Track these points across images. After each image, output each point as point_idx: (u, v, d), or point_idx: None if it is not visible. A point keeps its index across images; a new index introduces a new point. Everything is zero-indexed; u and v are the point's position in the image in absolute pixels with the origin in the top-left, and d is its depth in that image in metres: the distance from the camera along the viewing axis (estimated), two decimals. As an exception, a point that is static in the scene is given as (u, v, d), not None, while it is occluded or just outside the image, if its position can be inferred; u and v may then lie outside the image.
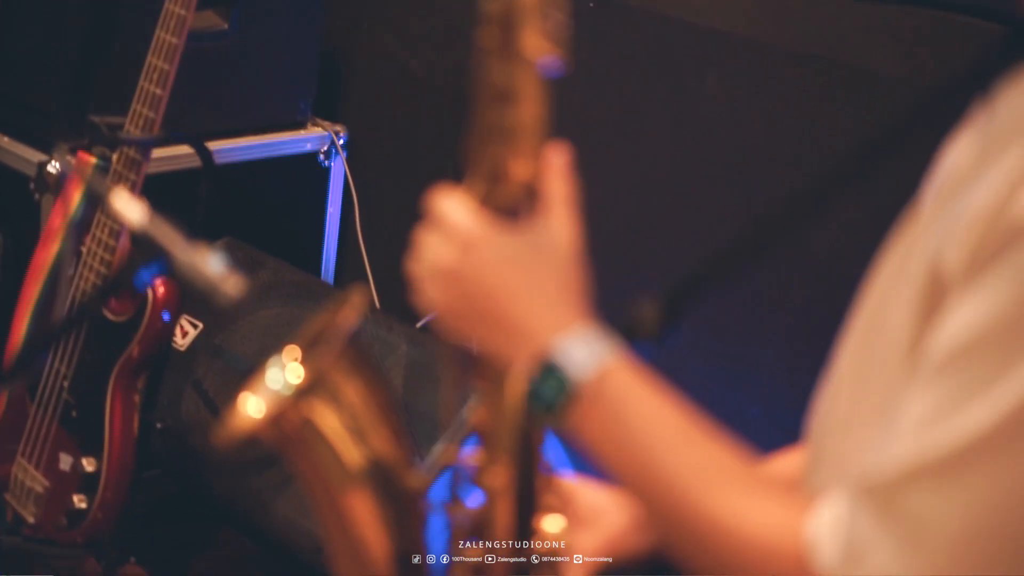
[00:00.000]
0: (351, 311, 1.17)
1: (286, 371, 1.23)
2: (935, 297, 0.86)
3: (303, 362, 1.22)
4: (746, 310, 2.25)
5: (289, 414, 1.14)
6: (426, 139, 2.80)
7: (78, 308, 1.09)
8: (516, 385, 1.12)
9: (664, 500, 0.93)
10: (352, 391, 1.17)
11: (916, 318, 0.87)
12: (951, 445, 0.80)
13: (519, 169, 1.02)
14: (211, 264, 1.08)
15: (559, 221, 1.02)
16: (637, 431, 0.94)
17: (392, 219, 2.64)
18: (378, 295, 2.72)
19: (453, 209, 1.01)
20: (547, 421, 0.98)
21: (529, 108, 1.00)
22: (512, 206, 1.03)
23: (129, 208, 1.09)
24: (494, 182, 1.02)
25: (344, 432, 1.16)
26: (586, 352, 0.96)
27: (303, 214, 2.87)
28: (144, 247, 1.09)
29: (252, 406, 1.21)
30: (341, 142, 2.81)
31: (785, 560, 0.87)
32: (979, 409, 0.80)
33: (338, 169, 2.84)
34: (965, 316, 0.81)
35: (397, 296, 2.68)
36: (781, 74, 2.18)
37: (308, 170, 2.81)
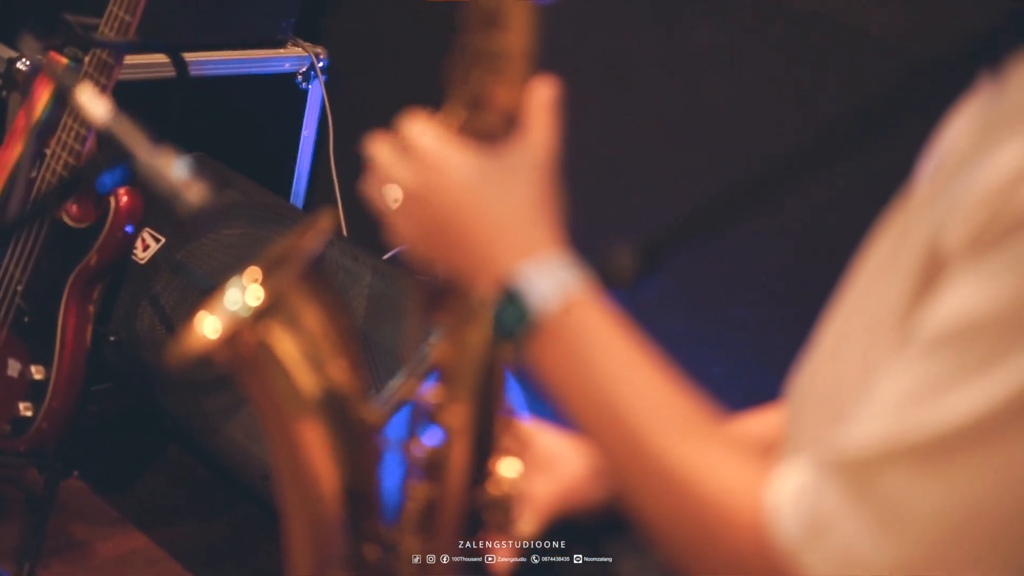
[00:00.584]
0: (317, 235, 1.14)
1: (246, 292, 1.20)
2: (932, 273, 0.82)
3: (263, 284, 1.19)
4: (717, 266, 2.23)
5: (245, 336, 1.11)
6: (409, 67, 2.74)
7: (34, 204, 1.05)
8: (481, 322, 1.10)
9: (621, 447, 0.90)
10: (312, 318, 1.14)
11: (910, 293, 0.84)
12: (937, 427, 0.77)
13: (502, 97, 0.98)
14: (176, 169, 1.04)
15: (534, 143, 0.98)
16: (599, 370, 0.90)
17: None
18: (347, 223, 2.69)
19: (417, 131, 0.99)
20: (508, 351, 0.95)
21: (517, 36, 0.97)
22: (492, 135, 0.99)
23: (95, 104, 1.04)
24: (475, 109, 0.99)
25: (301, 359, 1.13)
26: (552, 281, 0.92)
27: (277, 135, 2.82)
28: (109, 149, 1.05)
29: (208, 325, 1.18)
30: (321, 65, 2.76)
31: (742, 526, 0.84)
32: (970, 394, 0.76)
33: (316, 92, 2.79)
34: (964, 296, 0.78)
35: (366, 226, 2.65)
36: (777, 30, 2.15)
37: (285, 91, 2.76)
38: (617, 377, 0.90)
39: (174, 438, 2.44)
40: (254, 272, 1.20)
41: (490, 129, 1.00)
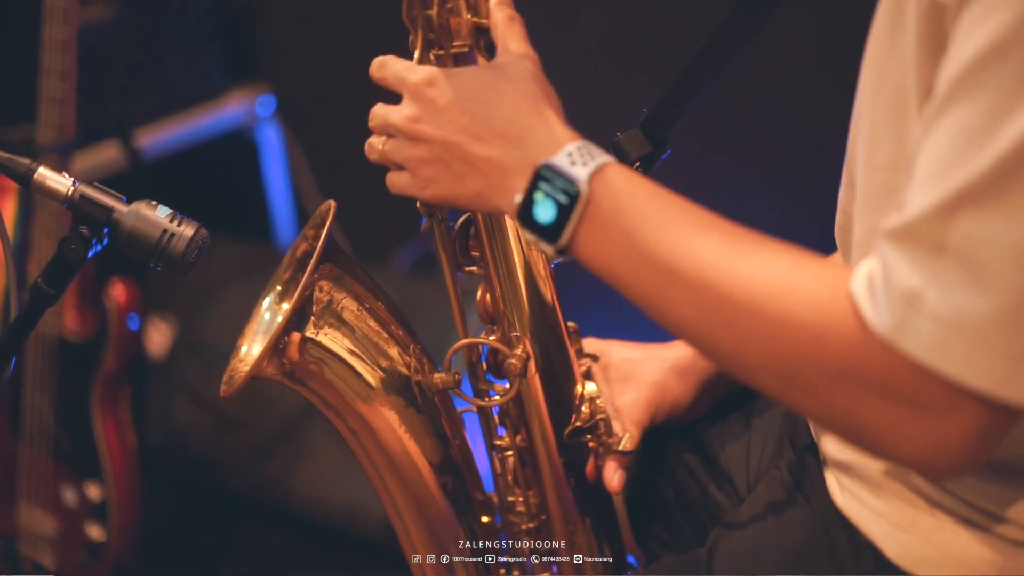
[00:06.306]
0: (319, 229, 1.15)
1: (273, 304, 1.21)
2: (935, 26, 0.83)
3: (287, 291, 1.20)
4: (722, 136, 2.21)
5: (288, 340, 1.12)
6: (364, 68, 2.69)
7: (30, 295, 1.04)
8: (516, 246, 1.11)
9: (691, 298, 0.89)
10: (348, 305, 1.15)
11: (922, 57, 0.84)
12: (988, 163, 0.77)
13: (466, 21, 1.03)
14: (157, 212, 1.05)
15: (514, 46, 1.01)
16: (650, 227, 0.90)
17: (352, 163, 2.55)
18: (353, 247, 2.66)
19: (391, 66, 1.01)
20: (551, 245, 0.94)
21: None
22: (465, 61, 1.03)
23: (58, 179, 1.05)
24: (442, 40, 1.03)
25: (352, 346, 1.15)
26: (578, 161, 0.93)
27: (248, 184, 2.83)
28: (83, 218, 1.05)
29: (249, 346, 1.19)
30: (264, 106, 2.77)
31: (837, 332, 0.83)
32: (1011, 121, 0.76)
33: (270, 134, 2.79)
34: (973, 37, 0.78)
35: (374, 243, 2.60)
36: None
37: (239, 141, 2.78)
38: (668, 229, 0.90)
39: (248, 513, 2.45)
40: (273, 284, 1.22)
41: (462, 54, 1.03)
